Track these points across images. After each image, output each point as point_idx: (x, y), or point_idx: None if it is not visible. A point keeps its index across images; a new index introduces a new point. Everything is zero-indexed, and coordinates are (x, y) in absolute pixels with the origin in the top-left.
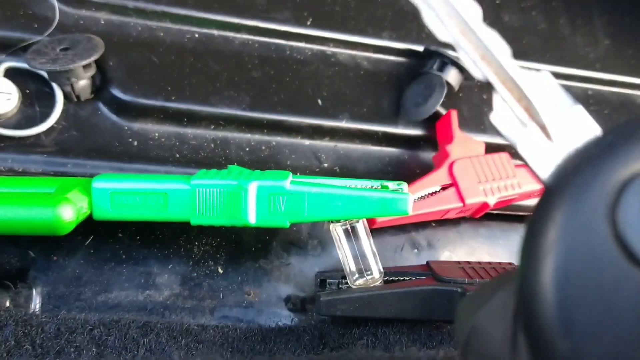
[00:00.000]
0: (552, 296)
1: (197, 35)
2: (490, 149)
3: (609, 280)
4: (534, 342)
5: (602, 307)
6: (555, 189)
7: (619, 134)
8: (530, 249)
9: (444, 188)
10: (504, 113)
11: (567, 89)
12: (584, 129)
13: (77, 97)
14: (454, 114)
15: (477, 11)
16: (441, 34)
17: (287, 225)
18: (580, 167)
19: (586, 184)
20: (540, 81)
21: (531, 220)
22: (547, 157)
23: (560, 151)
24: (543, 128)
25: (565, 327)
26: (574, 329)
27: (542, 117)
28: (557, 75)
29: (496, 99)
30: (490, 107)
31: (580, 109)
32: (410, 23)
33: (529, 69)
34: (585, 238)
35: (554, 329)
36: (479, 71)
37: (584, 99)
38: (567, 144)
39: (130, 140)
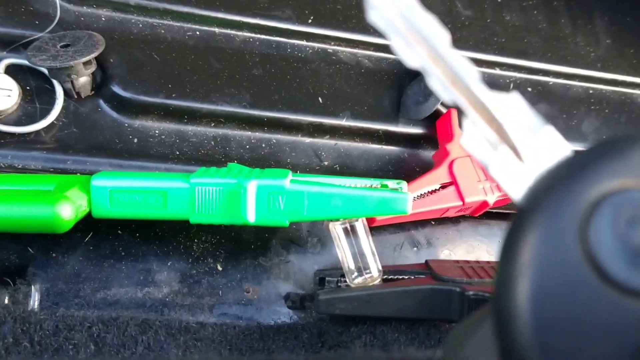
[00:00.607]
0: (527, 319)
1: (198, 33)
2: None
3: (583, 301)
4: None
5: (577, 328)
6: (527, 210)
7: (589, 155)
8: (503, 272)
9: (443, 186)
10: (475, 136)
11: (568, 88)
12: (555, 149)
13: (78, 94)
14: (454, 113)
15: (445, 37)
16: (410, 61)
17: (287, 224)
18: (551, 187)
19: (557, 205)
20: (511, 103)
21: (504, 243)
22: (519, 179)
23: (532, 172)
24: (514, 150)
25: (541, 350)
26: (551, 352)
27: (512, 139)
28: (558, 75)
29: (467, 123)
30: None
31: (551, 130)
32: None
33: (530, 68)
34: (558, 259)
35: (531, 353)
36: (449, 96)
37: (585, 98)
38: (538, 164)
39: (131, 137)
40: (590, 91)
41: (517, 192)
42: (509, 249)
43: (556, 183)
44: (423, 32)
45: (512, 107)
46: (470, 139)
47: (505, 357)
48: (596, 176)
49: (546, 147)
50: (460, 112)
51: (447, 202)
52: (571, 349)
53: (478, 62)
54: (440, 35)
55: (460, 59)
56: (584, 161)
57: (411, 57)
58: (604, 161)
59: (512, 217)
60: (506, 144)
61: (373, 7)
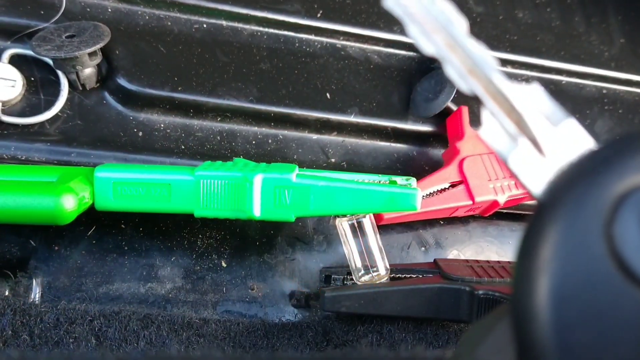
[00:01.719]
0: (547, 318)
1: (205, 26)
2: None
3: (607, 300)
4: None
5: (600, 328)
6: (549, 205)
7: (613, 148)
8: (523, 269)
9: (453, 185)
10: (493, 127)
11: (581, 87)
12: (576, 142)
13: (83, 85)
14: (464, 111)
15: (463, 24)
16: (427, 48)
17: (293, 218)
18: (574, 182)
19: (581, 200)
20: (531, 94)
21: (524, 239)
22: (539, 172)
23: (553, 166)
24: (534, 142)
25: (562, 351)
26: (572, 353)
27: (533, 131)
28: (571, 74)
29: (485, 114)
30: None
31: (572, 122)
32: None
33: (543, 67)
34: (581, 256)
35: (551, 354)
36: (466, 85)
37: (598, 98)
38: (559, 158)
39: (136, 130)
40: (604, 91)
41: (537, 186)
42: (529, 245)
43: (579, 177)
44: (440, 19)
45: (533, 98)
46: (489, 130)
47: (523, 357)
48: (621, 170)
49: (568, 140)
50: (479, 103)
51: (457, 201)
52: (593, 349)
53: None
54: (458, 22)
55: (479, 47)
56: (609, 154)
57: (428, 44)
58: (629, 154)
59: (531, 213)
60: (526, 136)
61: None
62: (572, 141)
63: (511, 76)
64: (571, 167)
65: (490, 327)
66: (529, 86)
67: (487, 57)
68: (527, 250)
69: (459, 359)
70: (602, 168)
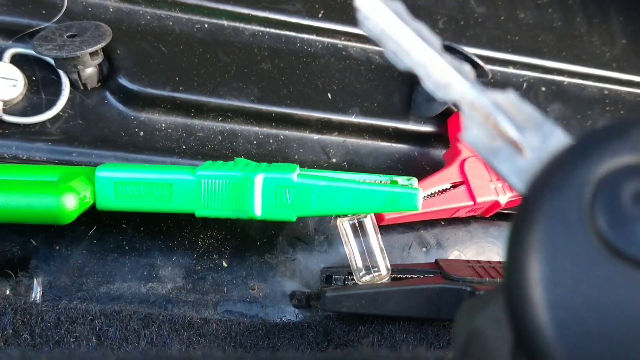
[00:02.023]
0: (539, 301)
1: (206, 26)
2: None
3: (596, 278)
4: (527, 348)
5: (592, 305)
6: (533, 194)
7: (588, 138)
8: (513, 255)
9: (454, 186)
10: (474, 132)
11: (583, 88)
12: (558, 143)
13: (84, 85)
14: None
15: (437, 41)
16: (402, 66)
17: (294, 218)
18: (555, 170)
19: (561, 185)
20: (508, 100)
21: (512, 229)
22: (522, 172)
23: (535, 164)
24: (515, 145)
25: (556, 329)
26: (567, 331)
27: (513, 135)
28: (573, 74)
29: (465, 120)
30: None
31: (552, 125)
32: (423, 18)
33: (545, 67)
34: (567, 238)
35: (546, 334)
36: (443, 95)
37: (599, 99)
38: (541, 156)
39: (137, 130)
40: (606, 92)
41: (522, 184)
42: (517, 234)
43: (559, 166)
44: (415, 36)
45: (510, 104)
46: (471, 135)
47: (522, 341)
48: (599, 155)
49: (549, 141)
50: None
51: (458, 202)
52: (588, 326)
53: (491, 60)
54: (432, 39)
55: (453, 61)
56: (585, 143)
57: (404, 62)
58: (606, 141)
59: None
60: (507, 140)
61: (366, 18)
62: (552, 143)
63: (512, 77)
64: (551, 160)
65: (488, 300)
66: (505, 92)
67: (462, 68)
68: (515, 238)
69: (457, 328)
70: (579, 155)
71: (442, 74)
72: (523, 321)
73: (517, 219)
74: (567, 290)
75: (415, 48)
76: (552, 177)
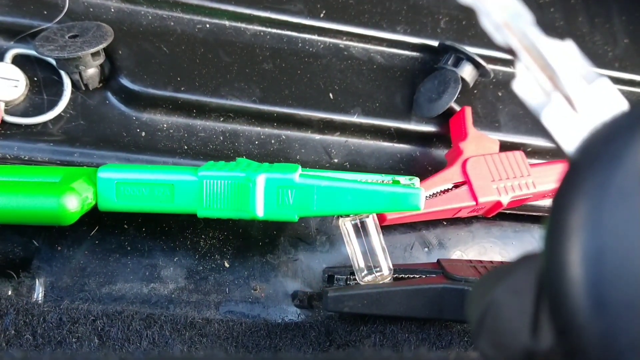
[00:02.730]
0: (582, 272)
1: (208, 26)
2: (505, 147)
3: None
4: (560, 323)
5: (637, 282)
6: (584, 162)
7: None
8: (558, 224)
9: (456, 186)
10: (527, 82)
11: None
12: (610, 102)
13: (86, 85)
14: (468, 111)
15: None
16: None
17: (296, 219)
18: (611, 138)
19: (618, 156)
20: (566, 51)
21: (558, 195)
22: (572, 129)
23: (586, 123)
24: (568, 99)
25: (597, 307)
26: (607, 309)
27: (566, 87)
28: None
29: (519, 68)
30: (504, 104)
31: (606, 82)
32: (425, 17)
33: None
34: (619, 211)
35: (584, 309)
36: (501, 38)
37: None
38: (592, 116)
39: (139, 130)
40: None
41: (570, 142)
42: (564, 201)
43: (617, 133)
44: None
45: (567, 55)
46: (523, 85)
47: (555, 315)
48: None
49: (601, 99)
50: (482, 103)
51: (460, 202)
52: (631, 307)
53: (493, 60)
54: None
55: (515, 1)
56: None
57: None
58: None
59: (564, 170)
60: (560, 92)
61: None
62: (605, 100)
63: (515, 76)
64: (607, 124)
65: (509, 272)
66: (564, 43)
67: (523, 10)
68: (562, 205)
69: (475, 298)
70: (638, 125)
71: (500, 15)
72: (560, 295)
73: (563, 185)
74: (614, 269)
75: None
76: (608, 143)
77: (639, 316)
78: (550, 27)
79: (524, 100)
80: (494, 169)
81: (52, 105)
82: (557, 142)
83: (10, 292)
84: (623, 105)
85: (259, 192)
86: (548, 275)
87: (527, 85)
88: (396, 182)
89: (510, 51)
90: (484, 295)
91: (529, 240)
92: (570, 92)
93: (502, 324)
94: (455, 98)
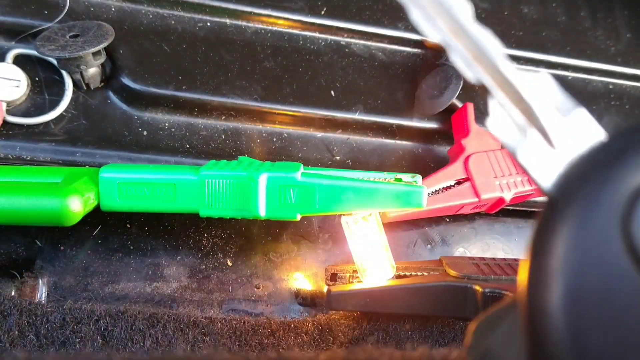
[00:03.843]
0: (562, 319)
1: (209, 24)
2: None
3: (625, 299)
4: None
5: (618, 328)
6: (561, 200)
7: (627, 139)
8: (536, 268)
9: (459, 182)
10: (501, 118)
11: (587, 82)
12: (587, 133)
13: (87, 85)
14: (470, 107)
15: (468, 9)
16: (430, 34)
17: (298, 218)
18: (588, 175)
19: (595, 194)
20: (539, 83)
21: (536, 235)
22: (549, 165)
23: (564, 158)
24: (544, 133)
25: (578, 353)
26: (588, 355)
27: (542, 121)
28: (577, 69)
29: (493, 104)
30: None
31: (583, 113)
32: None
33: (549, 62)
34: (597, 254)
35: (565, 356)
36: (473, 74)
37: (604, 93)
38: (570, 150)
39: (140, 129)
40: (610, 86)
41: (547, 179)
42: (541, 243)
43: (594, 170)
44: (444, 4)
45: (541, 87)
46: (497, 121)
47: (535, 356)
48: (638, 163)
49: (578, 131)
50: (484, 100)
51: (463, 199)
52: (611, 351)
53: None
54: (463, 7)
55: (484, 34)
56: (622, 146)
57: (432, 30)
58: None
59: (539, 210)
60: (535, 127)
61: None
62: (582, 132)
63: None
64: (583, 160)
65: (501, 318)
66: (537, 75)
67: (494, 44)
68: (539, 248)
69: (471, 349)
70: (616, 161)
71: (470, 49)
72: (541, 343)
73: (541, 225)
74: (593, 313)
75: (442, 17)
76: (584, 181)
77: (618, 355)
78: (552, 21)
79: (498, 138)
80: (496, 166)
81: (54, 105)
82: (535, 179)
83: (13, 293)
84: (601, 135)
85: (261, 191)
86: (528, 322)
87: (501, 122)
88: (398, 180)
89: (481, 95)
90: (480, 344)
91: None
92: (546, 126)
93: None
94: (457, 94)
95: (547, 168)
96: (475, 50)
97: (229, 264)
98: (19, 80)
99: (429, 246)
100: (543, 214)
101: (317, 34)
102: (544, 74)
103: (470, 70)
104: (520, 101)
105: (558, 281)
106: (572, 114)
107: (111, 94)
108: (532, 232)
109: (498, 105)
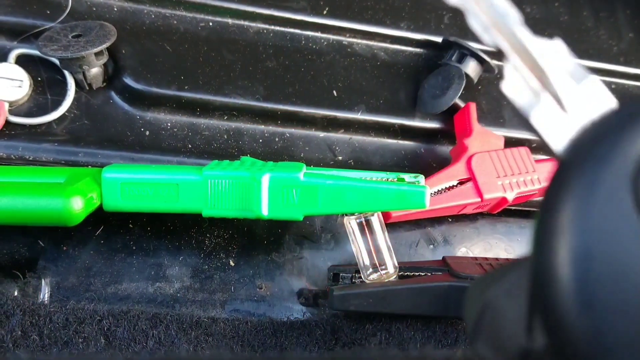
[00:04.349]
0: (570, 272)
1: (211, 24)
2: (510, 143)
3: (633, 255)
4: (550, 323)
5: (625, 283)
6: (573, 161)
7: (638, 105)
8: (546, 224)
9: (461, 182)
10: (516, 82)
11: None
12: (599, 100)
13: (89, 85)
14: (472, 107)
15: None
16: (450, 1)
17: (301, 217)
18: (600, 137)
19: (607, 155)
20: (554, 50)
21: (546, 195)
22: (561, 129)
23: (575, 123)
24: (557, 98)
25: (585, 307)
26: (595, 309)
27: (555, 87)
28: None
29: (508, 68)
30: (509, 100)
31: (595, 80)
32: (428, 13)
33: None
34: (607, 211)
35: (572, 309)
36: (489, 38)
37: None
38: (582, 115)
39: (142, 130)
40: (613, 86)
41: (559, 142)
42: (552, 201)
43: (605, 133)
44: None
45: (556, 54)
46: (512, 85)
47: (545, 315)
48: None
49: (590, 98)
50: (486, 99)
51: (465, 199)
52: (617, 304)
53: (497, 56)
54: None
55: (502, 1)
56: (634, 111)
57: None
58: None
59: (553, 169)
60: (548, 91)
61: None
62: (594, 99)
63: None
64: (595, 123)
65: (503, 274)
66: (552, 42)
67: (511, 10)
68: (550, 205)
69: (470, 301)
70: (627, 124)
71: (488, 14)
72: (548, 294)
73: (552, 185)
74: (601, 267)
75: None
76: (596, 143)
77: (627, 315)
78: (555, 21)
79: (512, 101)
80: (499, 165)
81: (56, 105)
82: (547, 142)
83: (16, 293)
84: (612, 104)
85: (264, 191)
86: (537, 275)
87: (515, 85)
88: (401, 180)
89: (499, 52)
90: (480, 298)
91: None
92: (559, 91)
93: (498, 325)
94: (459, 94)
95: (559, 132)
96: (492, 15)
97: (232, 264)
98: (22, 81)
99: (432, 246)
100: (554, 175)
101: (319, 34)
102: (558, 40)
103: (487, 35)
104: (534, 66)
105: (567, 236)
106: (585, 80)
107: (113, 94)
108: (544, 192)
109: (513, 69)
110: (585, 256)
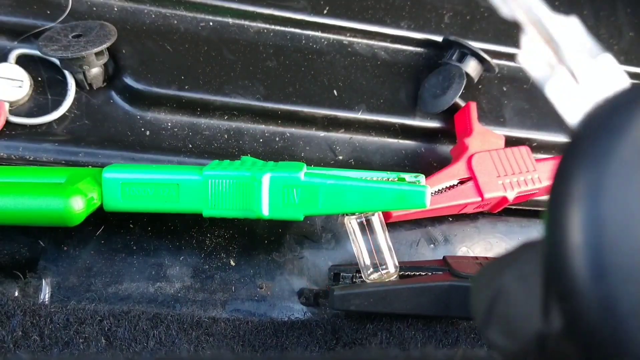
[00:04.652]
0: (583, 240)
1: (211, 24)
2: (510, 142)
3: None
4: (562, 291)
5: (638, 249)
6: (589, 131)
7: None
8: (560, 192)
9: (462, 182)
10: (532, 55)
11: None
12: (612, 76)
13: (90, 85)
14: (473, 106)
15: None
16: None
17: (301, 217)
18: (615, 110)
19: (621, 127)
20: (570, 26)
21: (560, 165)
22: (575, 102)
23: (589, 96)
24: (571, 72)
25: (598, 274)
26: (607, 276)
27: (570, 61)
28: None
29: (524, 40)
30: (509, 99)
31: (609, 57)
32: (429, 13)
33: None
34: (620, 180)
35: (585, 276)
36: (508, 10)
37: None
38: (595, 89)
39: (143, 129)
40: None
41: (572, 114)
42: (566, 171)
43: (621, 105)
44: None
45: (571, 29)
46: (528, 57)
47: (558, 289)
48: None
49: (604, 73)
50: (487, 99)
51: (466, 198)
52: (633, 275)
53: (497, 55)
54: None
55: None
56: None
57: None
58: None
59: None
60: (564, 65)
61: None
62: (607, 74)
63: (519, 71)
64: (609, 98)
65: (514, 259)
66: (568, 18)
67: None
68: (564, 176)
69: (480, 289)
70: None
71: None
72: (562, 263)
73: (566, 156)
74: (614, 236)
75: None
76: (613, 115)
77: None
78: None
79: (528, 73)
80: (499, 165)
81: (57, 105)
82: (561, 113)
83: (17, 293)
84: (625, 81)
85: (265, 191)
86: (550, 245)
87: (531, 57)
88: (401, 180)
89: (516, 24)
90: (490, 285)
91: (535, 236)
92: (573, 65)
93: (512, 310)
94: (459, 93)
95: (573, 104)
96: None
97: (232, 263)
98: (22, 81)
99: (432, 245)
100: (568, 146)
101: (319, 33)
102: (573, 17)
103: (505, 6)
104: (550, 40)
105: (581, 203)
106: (599, 57)
107: (114, 94)
108: (558, 163)
109: (530, 42)
110: (598, 224)
